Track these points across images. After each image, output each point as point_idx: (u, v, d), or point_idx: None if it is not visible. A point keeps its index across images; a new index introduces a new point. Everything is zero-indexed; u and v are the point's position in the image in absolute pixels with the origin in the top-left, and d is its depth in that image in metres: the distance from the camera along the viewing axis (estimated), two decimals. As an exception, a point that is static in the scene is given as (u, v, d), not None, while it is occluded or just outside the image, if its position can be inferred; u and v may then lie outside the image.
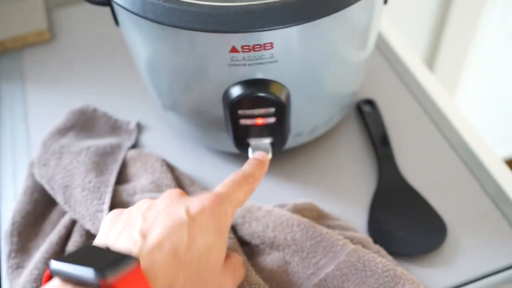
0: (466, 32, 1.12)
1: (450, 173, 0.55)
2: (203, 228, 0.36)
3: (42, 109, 0.64)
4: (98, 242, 0.37)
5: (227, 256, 0.42)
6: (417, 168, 0.56)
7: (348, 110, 0.59)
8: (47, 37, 0.71)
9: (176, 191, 0.41)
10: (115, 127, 0.61)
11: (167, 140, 0.60)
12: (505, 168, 0.55)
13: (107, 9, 0.65)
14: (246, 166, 0.45)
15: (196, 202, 0.38)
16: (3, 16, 0.73)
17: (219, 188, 0.41)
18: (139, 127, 0.61)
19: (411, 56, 0.66)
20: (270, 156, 0.51)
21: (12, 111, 0.64)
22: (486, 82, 1.25)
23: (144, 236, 0.35)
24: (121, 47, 0.69)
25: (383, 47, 0.68)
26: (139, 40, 0.48)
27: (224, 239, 0.39)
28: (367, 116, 0.59)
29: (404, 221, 0.51)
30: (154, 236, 0.35)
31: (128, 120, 0.61)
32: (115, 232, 0.36)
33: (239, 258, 0.44)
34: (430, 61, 1.25)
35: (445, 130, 0.58)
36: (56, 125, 0.58)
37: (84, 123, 0.59)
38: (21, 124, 0.63)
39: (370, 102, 0.61)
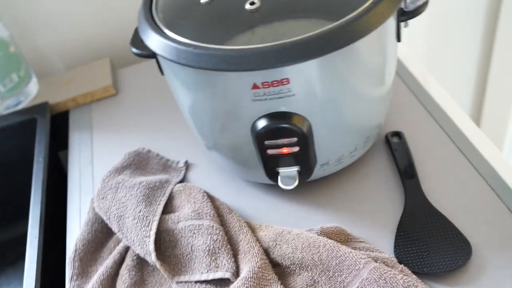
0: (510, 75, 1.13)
1: (476, 198, 0.57)
2: None
3: (106, 153, 0.73)
4: None
5: None
6: (443, 194, 0.58)
7: (374, 142, 0.63)
8: (112, 92, 0.82)
9: None
10: (166, 165, 0.68)
11: (211, 175, 0.66)
12: (531, 190, 0.56)
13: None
14: None
15: None
16: (76, 76, 0.85)
17: None
18: (187, 165, 0.68)
19: (439, 90, 0.70)
20: (296, 184, 0.56)
21: (80, 156, 0.74)
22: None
23: None
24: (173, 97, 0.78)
25: (411, 84, 0.72)
26: (179, 85, 0.55)
27: None
28: (394, 146, 0.63)
29: (430, 243, 0.54)
30: None
31: (178, 159, 0.69)
32: None
33: None
34: (477, 118, 1.25)
35: (471, 157, 0.61)
36: (114, 164, 0.66)
37: (139, 162, 0.67)
38: (87, 166, 0.72)
39: (397, 134, 0.65)
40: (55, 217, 0.69)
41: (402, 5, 0.52)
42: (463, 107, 1.22)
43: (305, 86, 0.49)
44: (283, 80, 0.48)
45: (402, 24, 0.54)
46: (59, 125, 0.82)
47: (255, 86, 0.49)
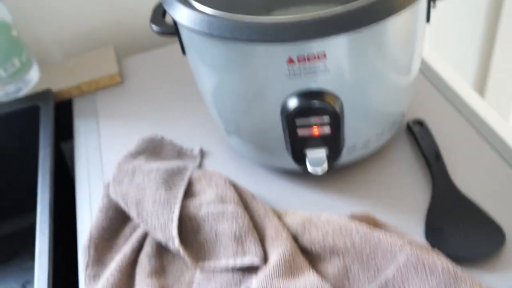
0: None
1: (503, 184, 0.56)
2: None
3: (114, 140, 0.70)
4: None
5: None
6: (470, 180, 0.57)
7: (398, 128, 0.62)
8: (118, 80, 0.79)
9: None
10: (180, 153, 0.65)
11: (227, 163, 0.64)
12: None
13: (168, 54, 0.72)
14: None
15: None
16: (79, 64, 0.82)
17: None
18: (202, 153, 0.66)
19: (455, 78, 0.69)
20: (325, 167, 0.54)
21: (87, 143, 0.71)
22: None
23: None
24: (182, 86, 0.76)
25: (428, 73, 0.71)
26: (204, 63, 0.53)
27: None
28: (417, 134, 0.62)
29: (461, 228, 0.52)
30: None
31: (192, 147, 0.66)
32: None
33: None
34: (481, 87, 1.26)
35: (495, 144, 0.60)
36: (128, 150, 0.64)
37: (153, 148, 0.65)
38: (95, 153, 0.69)
39: (419, 122, 0.64)
40: (61, 207, 0.65)
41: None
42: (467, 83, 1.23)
43: (341, 62, 0.48)
44: (320, 55, 0.46)
45: (431, 4, 0.53)
46: (60, 114, 0.79)
47: (290, 61, 0.47)
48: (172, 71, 0.80)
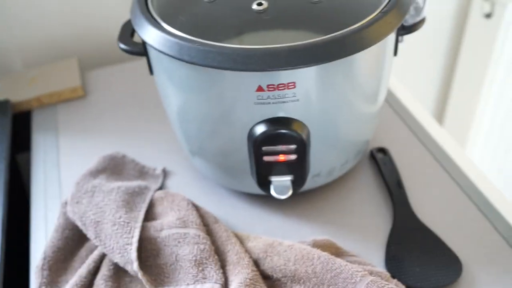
0: (474, 84, 1.18)
1: (461, 214, 0.58)
2: None
3: (74, 157, 0.68)
4: None
5: None
6: (430, 209, 0.58)
7: (362, 156, 0.63)
8: (80, 94, 0.77)
9: None
10: (142, 172, 0.64)
11: (190, 184, 0.63)
12: (514, 208, 0.58)
13: (134, 69, 0.70)
14: None
15: None
16: (41, 74, 0.80)
17: None
18: (165, 173, 0.65)
19: (419, 109, 0.71)
20: (290, 194, 0.54)
21: (46, 158, 0.69)
22: (496, 132, 1.28)
23: None
24: (147, 102, 0.75)
25: (393, 102, 0.73)
26: (171, 85, 0.52)
27: None
28: (380, 162, 0.63)
29: (420, 258, 0.53)
30: None
31: (154, 166, 0.65)
32: None
33: None
34: (440, 115, 1.30)
35: (455, 175, 0.62)
36: (88, 168, 0.62)
37: (114, 167, 0.63)
38: (53, 170, 0.67)
39: (382, 150, 0.65)
40: (13, 224, 0.63)
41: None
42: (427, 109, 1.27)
43: (310, 92, 0.48)
44: (290, 84, 0.47)
45: (399, 38, 0.55)
46: (17, 126, 0.76)
47: (259, 89, 0.47)
48: (137, 87, 0.79)
